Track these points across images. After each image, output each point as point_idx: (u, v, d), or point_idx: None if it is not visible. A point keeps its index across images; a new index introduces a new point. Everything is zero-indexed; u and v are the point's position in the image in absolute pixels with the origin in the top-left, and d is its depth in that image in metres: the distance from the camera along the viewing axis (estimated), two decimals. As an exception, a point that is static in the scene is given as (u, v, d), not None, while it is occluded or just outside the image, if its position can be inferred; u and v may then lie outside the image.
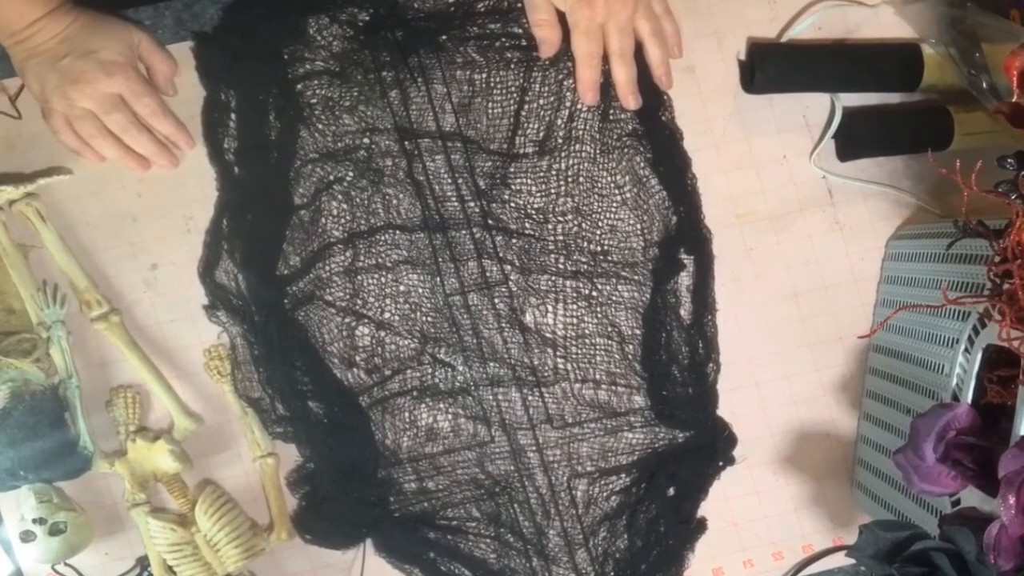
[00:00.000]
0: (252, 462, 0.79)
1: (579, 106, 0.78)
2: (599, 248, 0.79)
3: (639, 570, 0.79)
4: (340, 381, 0.78)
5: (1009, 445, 0.53)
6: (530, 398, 0.78)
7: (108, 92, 0.73)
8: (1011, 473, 0.51)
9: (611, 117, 0.78)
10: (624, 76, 0.74)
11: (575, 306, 0.79)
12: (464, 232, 0.78)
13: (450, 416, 0.79)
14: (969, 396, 0.61)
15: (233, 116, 0.77)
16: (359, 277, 0.78)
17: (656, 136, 0.78)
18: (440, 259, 0.78)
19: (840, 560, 0.80)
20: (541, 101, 0.78)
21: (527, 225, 0.78)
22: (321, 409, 0.77)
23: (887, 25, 0.81)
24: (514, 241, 0.78)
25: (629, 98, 0.75)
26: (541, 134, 0.78)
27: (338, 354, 0.78)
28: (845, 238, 0.81)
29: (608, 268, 0.79)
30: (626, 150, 0.79)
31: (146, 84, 0.75)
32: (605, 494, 0.79)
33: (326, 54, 0.77)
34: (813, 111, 0.81)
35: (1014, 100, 0.58)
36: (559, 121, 0.78)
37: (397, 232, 0.78)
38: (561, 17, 0.74)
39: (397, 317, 0.78)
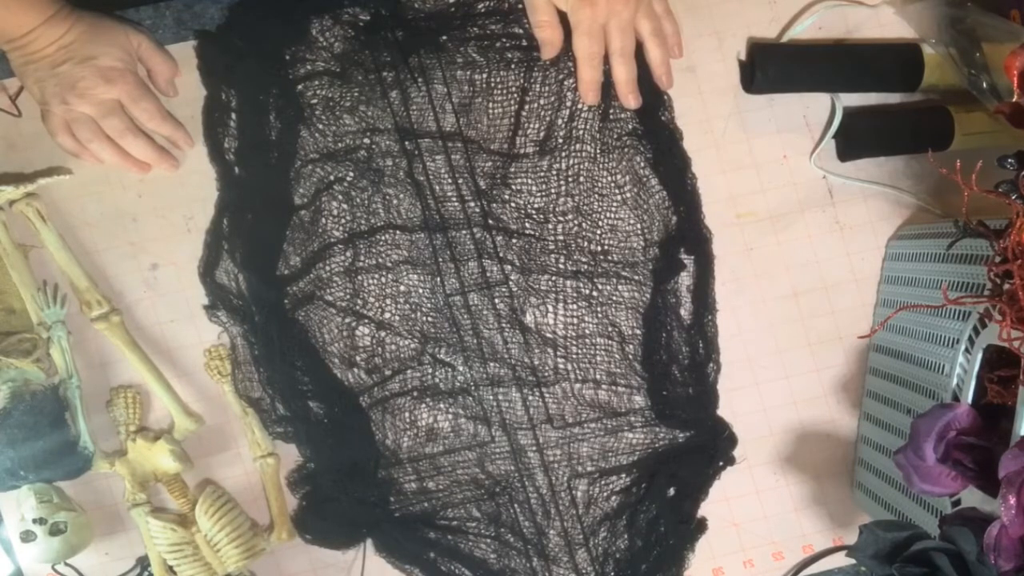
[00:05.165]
0: (252, 462, 0.79)
1: (579, 106, 0.78)
2: (599, 248, 0.79)
3: (639, 570, 0.79)
4: (340, 381, 0.78)
5: (1009, 445, 0.53)
6: (530, 398, 0.78)
7: (106, 98, 0.73)
8: (1011, 473, 0.51)
9: (611, 117, 0.78)
10: (625, 75, 0.74)
11: (575, 306, 0.79)
12: (464, 232, 0.78)
13: (450, 416, 0.79)
14: (969, 396, 0.61)
15: (234, 116, 0.77)
16: (359, 277, 0.78)
17: (656, 136, 0.78)
18: (440, 259, 0.78)
19: (840, 560, 0.80)
20: (541, 101, 0.78)
21: (527, 225, 0.78)
22: (321, 409, 0.77)
23: (887, 25, 0.81)
24: (514, 241, 0.78)
25: (629, 97, 0.75)
26: (541, 134, 0.78)
27: (338, 354, 0.78)
28: (845, 238, 0.81)
29: (608, 268, 0.79)
30: (626, 150, 0.79)
31: (144, 88, 0.75)
32: (605, 494, 0.79)
33: (327, 55, 0.77)
34: (813, 111, 0.81)
35: (1014, 100, 0.58)
36: (559, 121, 0.78)
37: (397, 232, 0.78)
38: (562, 17, 0.74)
39: (397, 317, 0.78)
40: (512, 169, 0.78)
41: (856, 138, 0.80)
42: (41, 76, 0.71)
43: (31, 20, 0.69)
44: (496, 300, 0.78)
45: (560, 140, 0.78)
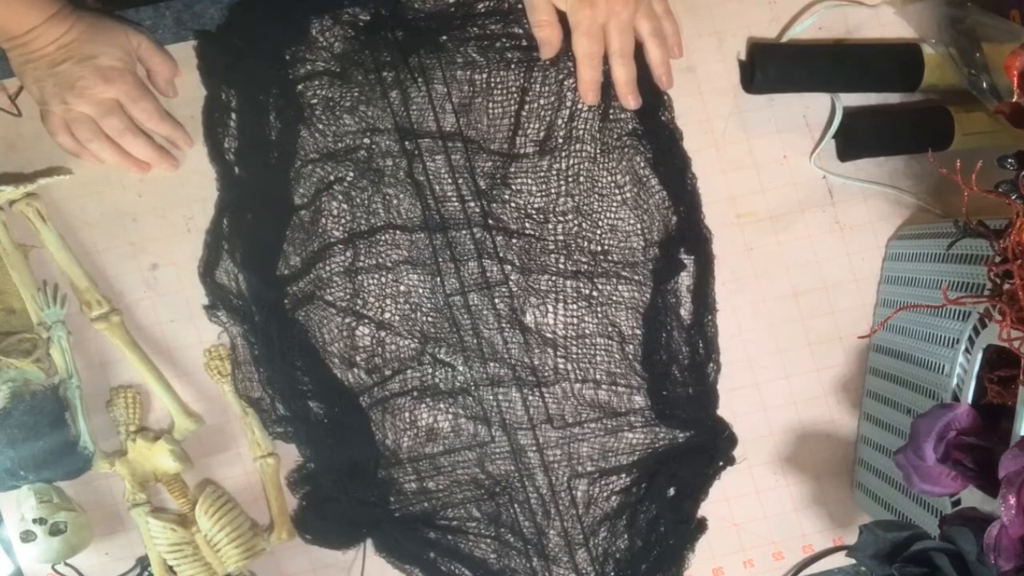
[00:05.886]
0: (252, 462, 0.79)
1: (579, 106, 0.78)
2: (599, 248, 0.79)
3: (639, 570, 0.79)
4: (340, 381, 0.78)
5: (1009, 445, 0.53)
6: (530, 398, 0.78)
7: (105, 97, 0.73)
8: (1011, 473, 0.51)
9: (611, 117, 0.78)
10: (624, 76, 0.74)
11: (575, 306, 0.79)
12: (464, 232, 0.78)
13: (450, 416, 0.79)
14: (969, 396, 0.61)
15: (234, 116, 0.77)
16: (359, 277, 0.78)
17: (656, 136, 0.78)
18: (440, 259, 0.78)
19: (840, 560, 0.80)
20: (541, 101, 0.78)
21: (527, 225, 0.78)
22: (321, 409, 0.77)
23: (887, 25, 0.81)
24: (514, 241, 0.78)
25: (629, 98, 0.75)
26: (541, 134, 0.78)
27: (338, 354, 0.78)
28: (845, 238, 0.81)
29: (608, 268, 0.79)
30: (626, 150, 0.79)
31: (143, 88, 0.75)
32: (605, 494, 0.79)
33: (327, 55, 0.77)
34: (813, 111, 0.81)
35: (1014, 100, 0.58)
36: (559, 121, 0.78)
37: (397, 232, 0.78)
38: (561, 17, 0.74)
39: (397, 317, 0.78)
40: (512, 169, 0.78)
41: (856, 138, 0.80)
42: (40, 75, 0.71)
43: (33, 18, 0.69)
44: (496, 300, 0.78)
45: (560, 140, 0.78)
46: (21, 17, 0.69)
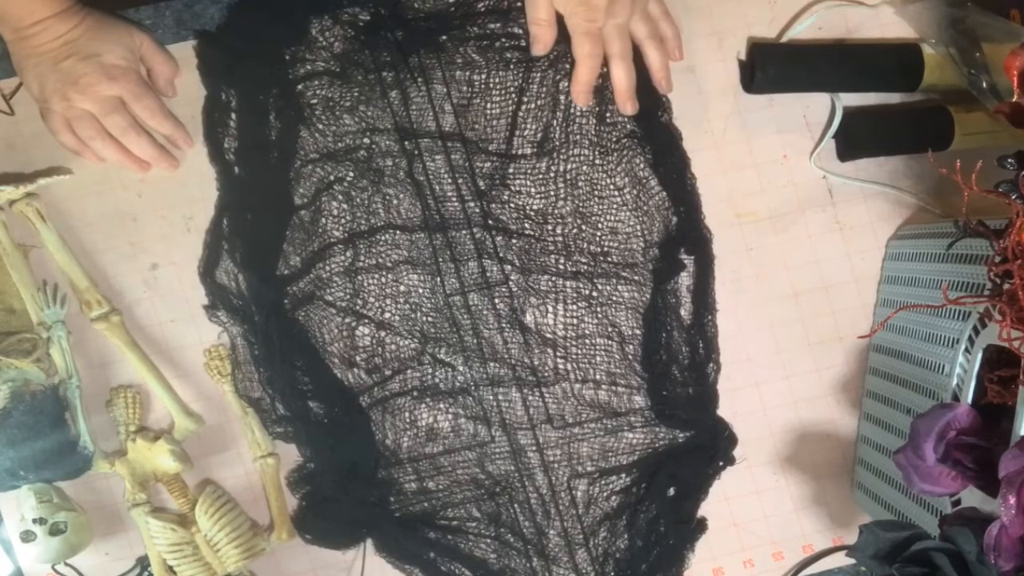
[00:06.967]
0: (252, 462, 0.79)
1: (577, 109, 0.78)
2: (599, 249, 0.79)
3: (639, 570, 0.79)
4: (340, 381, 0.78)
5: (1009, 445, 0.53)
6: (530, 398, 0.78)
7: (109, 95, 0.73)
8: (1011, 473, 0.51)
9: (608, 120, 0.78)
10: (624, 81, 0.74)
11: (575, 306, 0.79)
12: (464, 232, 0.78)
13: (450, 416, 0.79)
14: (969, 396, 0.61)
15: (234, 116, 0.77)
16: (359, 277, 0.78)
17: (655, 137, 0.78)
18: (440, 259, 0.78)
19: (840, 560, 0.80)
20: (539, 102, 0.78)
21: (527, 226, 0.78)
22: (321, 409, 0.77)
23: (887, 25, 0.81)
24: (514, 241, 0.78)
25: (627, 104, 0.75)
26: (539, 135, 0.78)
27: (338, 354, 0.78)
28: (845, 238, 0.81)
29: (608, 269, 0.79)
30: (625, 151, 0.79)
31: (146, 86, 0.75)
32: (605, 494, 0.79)
33: (327, 55, 0.77)
34: (813, 111, 0.81)
35: (1014, 100, 0.58)
36: (555, 123, 0.78)
37: (397, 232, 0.78)
38: (559, 20, 0.74)
39: (397, 317, 0.78)
40: (511, 170, 0.78)
41: (856, 138, 0.80)
42: (42, 71, 0.71)
43: (44, 10, 0.69)
44: (496, 300, 0.78)
45: (558, 142, 0.78)
46: (33, 7, 0.69)
